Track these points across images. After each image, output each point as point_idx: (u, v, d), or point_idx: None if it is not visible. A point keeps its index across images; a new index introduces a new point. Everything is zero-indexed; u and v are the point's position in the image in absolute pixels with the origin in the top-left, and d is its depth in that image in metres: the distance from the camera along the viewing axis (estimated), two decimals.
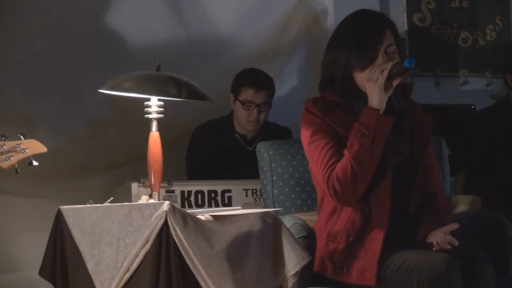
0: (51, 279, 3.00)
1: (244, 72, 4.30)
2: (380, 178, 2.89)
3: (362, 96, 2.92)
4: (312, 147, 2.94)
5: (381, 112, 2.86)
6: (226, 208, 3.12)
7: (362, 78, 2.92)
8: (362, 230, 2.90)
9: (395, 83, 2.89)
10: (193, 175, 4.30)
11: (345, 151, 2.87)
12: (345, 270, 2.91)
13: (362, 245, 2.89)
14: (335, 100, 2.98)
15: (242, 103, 4.23)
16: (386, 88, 2.87)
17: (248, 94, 4.22)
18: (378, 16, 3.01)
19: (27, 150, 3.12)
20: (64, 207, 2.96)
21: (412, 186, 2.97)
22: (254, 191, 4.02)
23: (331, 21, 4.74)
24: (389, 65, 2.86)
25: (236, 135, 4.33)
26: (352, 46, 2.92)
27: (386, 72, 2.85)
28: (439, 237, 2.81)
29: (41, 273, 3.01)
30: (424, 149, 3.01)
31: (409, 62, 2.85)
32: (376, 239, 2.87)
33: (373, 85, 2.86)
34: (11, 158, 3.11)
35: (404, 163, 2.94)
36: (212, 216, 2.83)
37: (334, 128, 2.93)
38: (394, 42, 2.93)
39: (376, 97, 2.86)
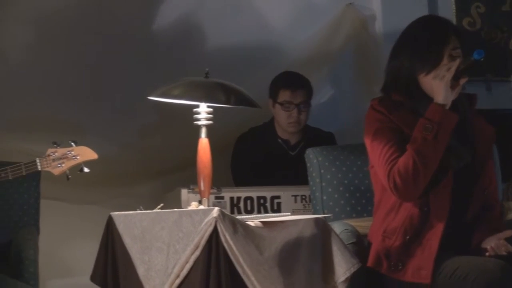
0: (103, 284, 3.02)
1: (279, 75, 4.32)
2: (441, 178, 2.88)
3: (428, 99, 2.92)
4: (375, 143, 2.95)
5: (446, 108, 2.86)
6: (275, 214, 3.12)
7: (427, 82, 2.92)
8: (420, 229, 2.89)
9: (462, 81, 2.88)
10: (238, 182, 4.31)
11: (408, 146, 2.87)
12: (400, 267, 2.90)
13: (419, 243, 2.88)
14: (401, 100, 2.98)
15: (281, 104, 4.24)
16: (452, 87, 2.87)
17: (286, 95, 4.24)
18: (443, 21, 3.03)
19: (78, 157, 3.16)
20: (115, 213, 2.98)
21: (471, 193, 2.97)
22: (303, 197, 4.01)
23: (379, 27, 4.72)
24: (456, 62, 2.86)
25: (279, 140, 4.33)
26: (417, 50, 2.93)
27: (453, 69, 2.86)
28: (494, 243, 2.80)
29: (93, 278, 3.04)
30: (486, 158, 3.02)
31: (479, 53, 2.83)
32: (433, 238, 2.86)
33: (439, 82, 2.87)
34: (63, 165, 3.16)
35: (465, 169, 2.93)
36: (262, 222, 2.83)
37: (398, 126, 2.93)
38: (459, 46, 2.93)
39: (442, 93, 2.86)
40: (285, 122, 4.26)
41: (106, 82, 4.29)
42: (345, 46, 4.79)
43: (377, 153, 2.94)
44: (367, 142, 3.00)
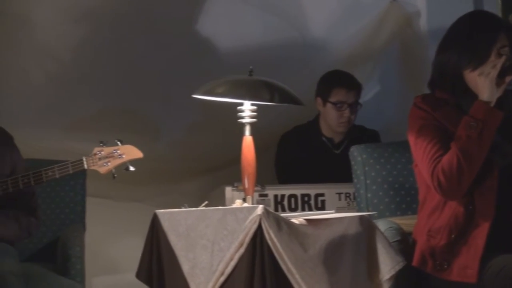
0: (148, 281, 3.05)
1: (330, 74, 4.30)
2: (486, 176, 2.85)
3: (473, 96, 2.89)
4: (419, 141, 2.92)
5: (491, 105, 2.83)
6: (319, 212, 3.12)
7: (473, 78, 2.89)
8: (465, 228, 2.86)
9: (507, 79, 2.85)
10: (282, 180, 4.32)
11: (452, 144, 2.84)
12: (445, 267, 2.88)
13: (464, 243, 2.86)
14: (445, 98, 2.96)
15: (335, 104, 4.23)
16: (498, 84, 2.84)
17: (340, 95, 4.22)
18: (492, 17, 2.99)
19: (124, 156, 3.19)
20: (160, 211, 3.00)
21: None
22: (347, 194, 4.00)
23: (424, 23, 4.68)
24: (502, 59, 2.83)
25: (323, 138, 4.33)
26: (464, 45, 2.90)
27: (498, 66, 2.83)
28: None
29: (138, 275, 3.06)
30: None
31: None
32: (479, 237, 2.83)
33: (484, 79, 2.84)
34: (109, 164, 3.19)
35: (510, 167, 2.89)
36: (306, 220, 2.83)
37: (442, 124, 2.91)
38: (508, 44, 2.89)
39: (487, 91, 2.83)
40: (336, 122, 4.26)
41: (152, 81, 4.32)
42: (390, 43, 4.76)
43: (420, 152, 2.92)
44: (411, 140, 2.99)
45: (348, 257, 2.85)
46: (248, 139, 3.03)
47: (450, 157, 2.83)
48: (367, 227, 2.91)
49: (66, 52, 4.20)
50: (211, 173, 4.46)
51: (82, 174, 3.85)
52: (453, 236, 2.87)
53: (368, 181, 3.48)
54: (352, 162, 3.54)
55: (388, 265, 2.87)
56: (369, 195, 3.48)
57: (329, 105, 4.25)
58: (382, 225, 3.12)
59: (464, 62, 2.89)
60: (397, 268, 2.88)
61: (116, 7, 4.19)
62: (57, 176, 3.19)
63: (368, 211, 3.39)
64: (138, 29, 4.27)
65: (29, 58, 4.19)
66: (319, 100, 4.29)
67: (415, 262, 2.95)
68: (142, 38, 4.27)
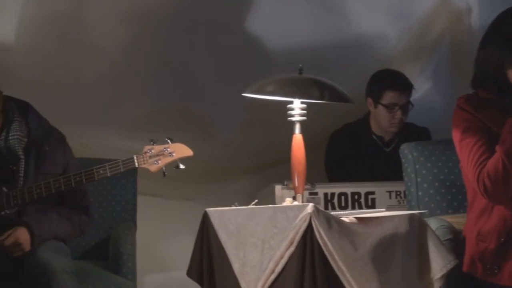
0: (198, 279, 3.06)
1: (381, 74, 4.26)
2: None
3: None
4: (464, 144, 2.88)
5: None
6: (370, 210, 3.10)
7: None
8: None
9: None
10: (332, 178, 4.31)
11: (497, 147, 2.79)
12: (496, 271, 2.83)
13: None
14: (488, 98, 2.90)
15: (387, 106, 4.19)
16: None
17: (392, 97, 4.19)
18: None
19: (174, 154, 3.21)
20: (210, 209, 3.02)
21: None
22: (398, 193, 3.98)
23: (475, 20, 4.62)
24: None
25: (374, 137, 4.31)
26: (507, 42, 2.83)
27: None
28: None
29: (189, 273, 3.08)
30: None
31: None
32: None
33: None
34: (159, 162, 3.22)
35: None
36: (356, 218, 2.82)
37: (486, 125, 2.85)
38: None
39: None
40: (387, 123, 4.23)
41: (203, 80, 4.34)
42: (440, 40, 4.71)
43: (465, 155, 2.87)
44: (456, 142, 2.94)
45: (399, 255, 2.83)
46: (298, 137, 3.03)
47: (495, 161, 2.77)
48: (418, 225, 2.89)
49: (118, 52, 4.24)
50: (261, 172, 4.47)
51: (133, 172, 3.89)
52: (502, 239, 2.83)
53: (418, 179, 3.45)
54: (403, 160, 3.52)
55: (439, 263, 2.85)
56: (420, 193, 3.45)
57: (380, 107, 4.22)
58: (433, 223, 3.09)
59: (507, 59, 2.82)
60: (449, 267, 2.85)
61: (167, 7, 4.21)
62: (109, 174, 3.22)
63: (419, 209, 3.37)
64: (188, 29, 4.29)
65: (82, 58, 4.24)
66: (370, 100, 4.26)
67: (465, 267, 2.90)
68: (193, 38, 4.29)
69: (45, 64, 4.19)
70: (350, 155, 4.28)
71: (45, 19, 4.14)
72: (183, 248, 3.71)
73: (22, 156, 3.31)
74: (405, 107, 4.22)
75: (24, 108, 3.42)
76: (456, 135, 2.93)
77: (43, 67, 4.18)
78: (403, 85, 4.22)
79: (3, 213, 3.24)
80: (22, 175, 3.29)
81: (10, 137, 3.33)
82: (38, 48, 4.17)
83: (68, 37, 4.19)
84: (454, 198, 3.42)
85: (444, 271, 2.85)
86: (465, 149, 2.87)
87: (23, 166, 3.30)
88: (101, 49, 4.23)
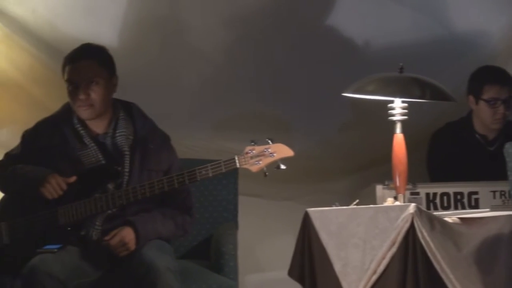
0: (300, 279, 3.07)
1: (480, 70, 4.19)
2: None
3: None
4: None
5: None
6: (473, 210, 3.05)
7: None
8: None
9: None
10: (434, 178, 4.25)
11: None
12: None
13: None
14: None
15: (488, 101, 4.12)
16: None
17: (493, 91, 4.11)
18: None
19: (275, 154, 3.23)
20: (311, 210, 3.02)
21: None
22: (502, 193, 3.89)
23: None
24: None
25: (477, 136, 4.23)
26: None
27: None
28: None
29: (290, 273, 3.10)
30: None
31: None
32: None
33: None
34: (260, 162, 3.24)
35: None
36: (460, 218, 2.78)
37: None
38: None
39: None
40: (490, 119, 4.15)
41: (301, 80, 4.34)
42: None
43: None
44: None
45: (504, 257, 2.78)
46: (399, 137, 3.01)
47: None
48: None
49: (218, 54, 4.29)
50: (361, 171, 4.44)
51: (234, 173, 3.92)
52: None
53: None
54: (507, 159, 3.43)
55: None
56: None
57: (482, 102, 4.14)
58: None
59: None
60: None
61: (265, 10, 4.24)
62: (210, 174, 3.25)
63: None
64: (286, 31, 4.30)
65: (183, 61, 4.31)
66: (471, 98, 4.19)
67: None
68: (290, 39, 4.30)
69: (147, 67, 4.27)
70: (453, 154, 4.21)
71: (147, 23, 4.22)
72: (283, 248, 3.72)
73: (127, 152, 3.38)
74: (507, 102, 4.13)
75: (130, 108, 3.51)
76: None
77: (145, 70, 4.26)
78: (503, 78, 4.13)
79: (109, 212, 3.32)
80: (127, 170, 3.36)
81: (117, 134, 3.42)
82: (141, 52, 4.26)
83: (169, 40, 4.27)
84: None
85: None
86: None
87: (128, 162, 3.37)
88: (201, 52, 4.29)
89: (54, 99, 3.98)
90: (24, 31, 4.19)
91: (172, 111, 4.23)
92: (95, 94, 3.37)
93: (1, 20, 4.17)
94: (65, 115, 3.47)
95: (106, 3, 4.22)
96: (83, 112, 3.39)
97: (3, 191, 3.47)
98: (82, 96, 3.36)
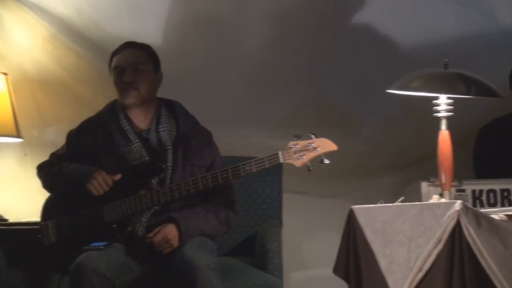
0: (345, 277, 3.06)
1: None
2: None
3: None
4: None
5: None
6: None
7: None
8: None
9: None
10: (480, 174, 4.21)
11: None
12: None
13: None
14: None
15: None
16: None
17: None
18: None
19: (318, 149, 3.23)
20: (356, 207, 3.01)
21: None
22: None
23: None
24: None
25: None
26: None
27: None
28: None
29: (335, 271, 3.09)
30: None
31: None
32: None
33: None
34: (304, 157, 3.24)
35: None
36: (507, 215, 2.75)
37: None
38: None
39: None
40: None
41: (346, 76, 4.33)
42: None
43: None
44: None
45: None
46: (444, 133, 2.98)
47: None
48: None
49: (261, 51, 4.30)
50: (405, 168, 4.41)
51: (278, 170, 3.92)
52: None
53: None
54: None
55: None
56: None
57: None
58: None
59: None
60: None
61: (308, 5, 4.24)
62: (254, 170, 3.26)
63: None
64: (329, 26, 4.29)
65: (226, 58, 4.32)
66: None
67: None
68: (334, 35, 4.29)
69: (191, 65, 4.30)
70: (500, 151, 4.17)
71: (191, 21, 4.25)
72: (328, 246, 3.71)
73: (170, 148, 3.41)
74: None
75: (172, 106, 3.54)
76: None
77: (189, 69, 4.29)
78: None
79: (156, 208, 3.34)
80: (170, 165, 3.38)
81: (160, 129, 3.45)
82: (185, 50, 4.29)
83: (213, 38, 4.29)
84: None
85: None
86: None
87: (171, 157, 3.39)
88: (245, 49, 4.30)
89: (99, 98, 4.03)
90: (70, 31, 4.25)
91: (215, 109, 4.25)
92: (141, 78, 3.42)
93: (48, 20, 4.23)
94: (109, 113, 3.51)
95: (150, 2, 4.26)
96: (129, 97, 3.43)
97: (49, 190, 3.52)
98: (128, 79, 3.41)
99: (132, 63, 3.44)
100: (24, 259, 3.67)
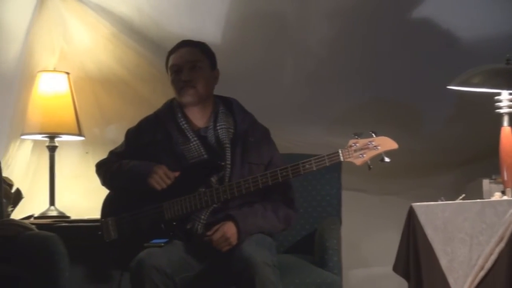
0: (405, 275, 3.04)
1: None
2: None
3: None
4: None
5: None
6: None
7: None
8: None
9: None
10: None
11: None
12: None
13: None
14: None
15: None
16: None
17: None
18: None
19: (379, 147, 3.21)
20: (416, 204, 2.99)
21: None
22: None
23: None
24: None
25: None
26: None
27: None
28: None
29: (395, 269, 3.07)
30: None
31: None
32: None
33: None
34: (364, 155, 3.22)
35: None
36: None
37: None
38: None
39: None
40: None
41: (405, 72, 4.29)
42: None
43: None
44: None
45: None
46: (506, 130, 2.95)
47: None
48: None
49: (321, 48, 4.29)
50: (467, 165, 4.37)
51: (337, 168, 3.91)
52: None
53: None
54: None
55: None
56: None
57: None
58: None
59: None
60: None
61: (367, 1, 4.21)
62: (314, 168, 3.26)
63: None
64: (388, 22, 4.26)
65: (285, 55, 4.32)
66: None
67: None
68: (393, 32, 4.26)
69: (250, 63, 4.31)
70: None
71: (250, 19, 4.26)
72: (387, 243, 3.69)
73: (228, 145, 3.42)
74: None
75: (229, 103, 3.55)
76: None
77: (249, 66, 4.30)
78: None
79: (215, 206, 3.36)
80: (229, 163, 3.39)
81: (218, 127, 3.46)
82: (244, 48, 4.30)
83: (273, 36, 4.29)
84: None
85: None
86: None
87: (229, 155, 3.40)
88: (305, 46, 4.30)
89: (159, 96, 4.06)
90: (130, 30, 4.29)
91: (275, 106, 4.25)
92: (198, 76, 3.44)
93: (109, 20, 4.28)
94: (168, 111, 3.54)
95: (210, 1, 4.28)
96: (186, 95, 3.45)
97: (109, 188, 3.55)
98: (185, 77, 3.43)
99: (189, 61, 3.46)
100: (85, 256, 3.71)
